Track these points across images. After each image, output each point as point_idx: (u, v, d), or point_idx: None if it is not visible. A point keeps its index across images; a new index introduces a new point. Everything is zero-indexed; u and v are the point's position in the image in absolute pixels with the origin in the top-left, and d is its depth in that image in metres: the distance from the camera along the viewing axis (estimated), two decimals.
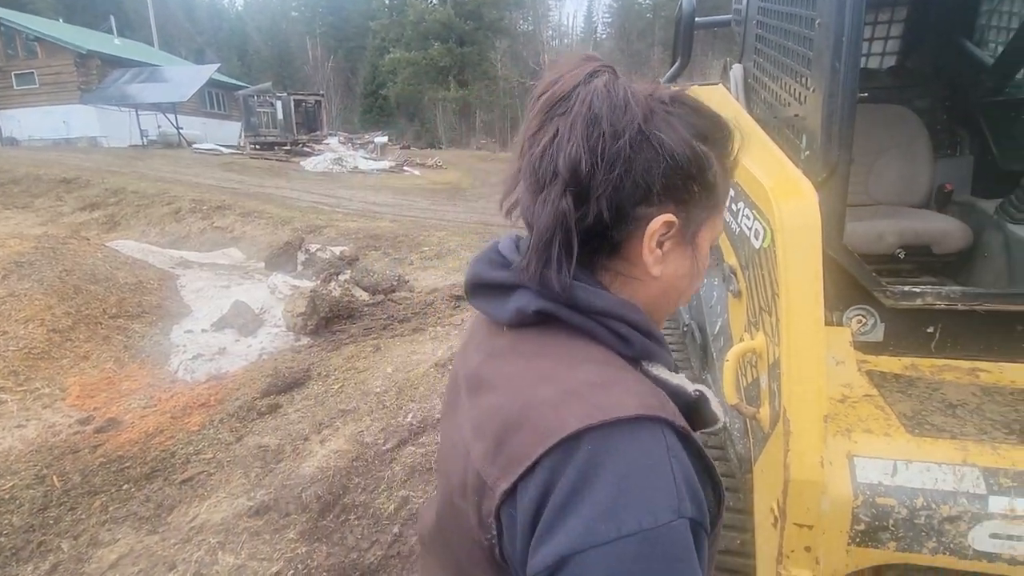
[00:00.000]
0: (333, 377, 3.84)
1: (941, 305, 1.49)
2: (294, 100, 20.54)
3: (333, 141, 21.51)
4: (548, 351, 0.54)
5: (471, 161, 23.64)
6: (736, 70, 2.64)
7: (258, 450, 3.00)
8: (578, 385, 0.49)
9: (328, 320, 4.69)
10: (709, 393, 0.60)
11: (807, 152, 1.59)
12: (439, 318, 4.92)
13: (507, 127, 35.94)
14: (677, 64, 2.96)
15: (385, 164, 18.72)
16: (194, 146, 18.87)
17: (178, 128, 20.04)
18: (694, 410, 0.58)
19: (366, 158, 19.19)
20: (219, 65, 25.79)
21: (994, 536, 1.14)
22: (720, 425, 0.61)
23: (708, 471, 0.53)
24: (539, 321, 0.55)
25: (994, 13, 2.28)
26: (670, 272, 0.57)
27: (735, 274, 1.61)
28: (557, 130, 0.52)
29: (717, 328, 1.91)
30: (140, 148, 18.70)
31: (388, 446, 2.94)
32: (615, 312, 0.54)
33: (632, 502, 0.43)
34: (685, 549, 0.43)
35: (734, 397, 1.27)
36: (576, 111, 0.51)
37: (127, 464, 3.04)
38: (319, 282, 5.33)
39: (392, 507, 2.47)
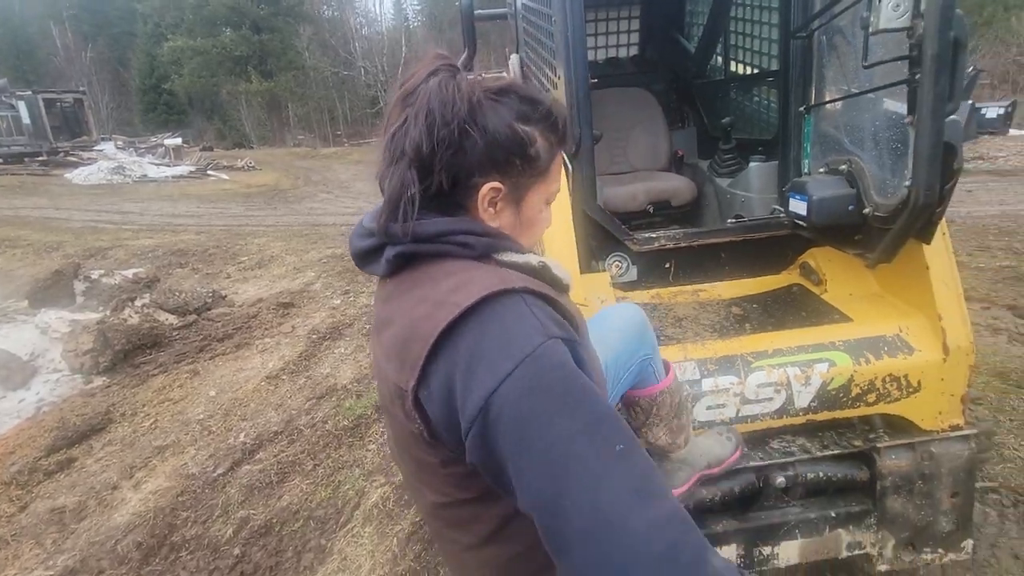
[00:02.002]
0: (142, 414, 3.39)
1: (671, 245, 1.89)
2: (44, 99, 16.80)
3: (108, 147, 18.14)
4: (417, 282, 0.69)
5: (289, 159, 21.84)
6: (514, 59, 2.92)
7: (52, 514, 2.55)
8: (441, 296, 0.64)
9: (127, 353, 4.08)
10: (550, 261, 0.75)
11: None
12: (267, 329, 4.60)
13: (325, 120, 33.83)
14: (465, 54, 3.16)
15: (183, 169, 16.42)
16: None
17: None
18: (548, 277, 0.73)
19: (156, 164, 16.62)
20: None
21: (708, 407, 1.52)
22: (568, 284, 0.77)
23: (563, 313, 0.67)
24: (405, 264, 0.70)
25: (694, 13, 2.88)
26: (506, 225, 0.74)
27: None
28: (406, 118, 0.66)
29: None
30: None
31: (219, 471, 2.73)
32: (452, 229, 0.68)
33: (512, 342, 0.58)
34: (562, 358, 0.59)
35: None
36: (419, 104, 0.66)
37: None
38: (108, 312, 4.58)
39: (231, 531, 2.32)
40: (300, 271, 6.33)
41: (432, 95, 0.65)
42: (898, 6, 1.16)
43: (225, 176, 16.55)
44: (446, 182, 0.67)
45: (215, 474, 2.72)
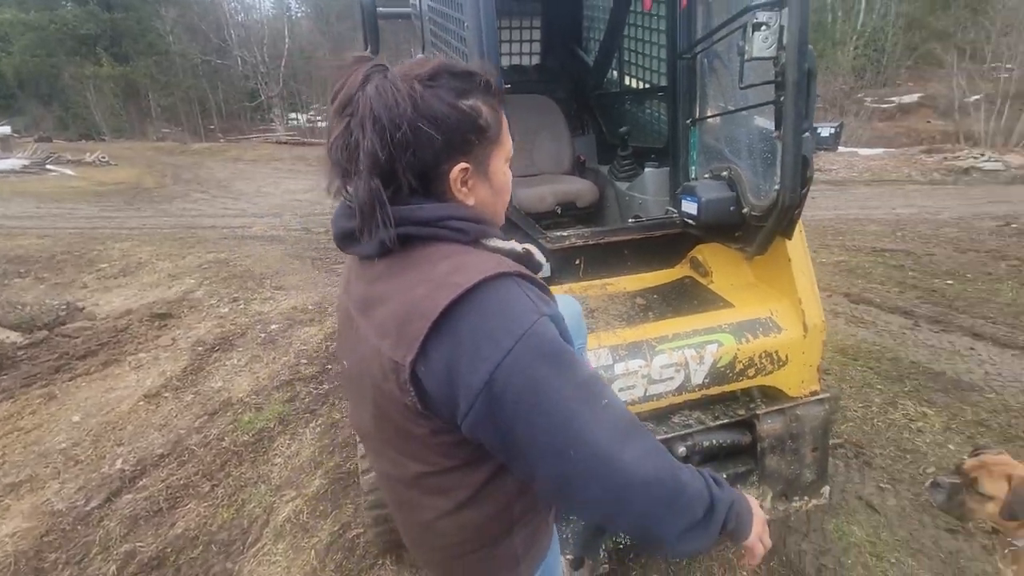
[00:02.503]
0: None
1: (580, 242, 2.03)
2: None
3: None
4: (414, 263, 0.70)
5: (153, 154, 19.48)
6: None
7: None
8: (441, 277, 0.66)
9: None
10: (532, 248, 0.81)
11: None
12: (140, 343, 4.10)
13: (195, 113, 30.55)
14: (367, 52, 3.08)
15: (14, 163, 14.02)
16: None
17: None
18: (528, 262, 0.78)
19: None
20: None
21: (621, 389, 1.67)
22: (544, 269, 0.81)
23: (545, 292, 0.73)
24: (399, 245, 0.70)
25: (591, 28, 3.10)
26: (482, 198, 0.77)
27: None
28: (349, 126, 0.66)
29: None
30: None
31: (93, 504, 2.41)
32: (448, 215, 0.71)
33: (512, 321, 0.64)
34: (553, 332, 0.66)
35: None
36: (362, 112, 0.65)
37: None
38: None
39: (114, 568, 2.06)
40: (176, 278, 5.72)
41: (374, 101, 0.65)
42: (767, 39, 1.38)
43: (71, 172, 14.39)
44: (413, 180, 0.69)
45: (88, 508, 2.40)
